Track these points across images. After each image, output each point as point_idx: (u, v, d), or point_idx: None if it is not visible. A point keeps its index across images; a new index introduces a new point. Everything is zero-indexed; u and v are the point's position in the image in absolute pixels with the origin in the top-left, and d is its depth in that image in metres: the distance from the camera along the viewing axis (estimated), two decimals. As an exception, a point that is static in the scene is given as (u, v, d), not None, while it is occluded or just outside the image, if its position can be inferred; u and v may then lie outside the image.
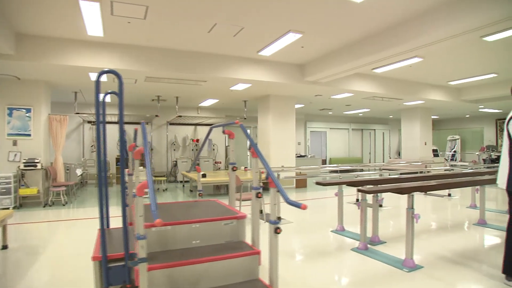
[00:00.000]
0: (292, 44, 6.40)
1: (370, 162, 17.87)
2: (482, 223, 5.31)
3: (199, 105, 12.22)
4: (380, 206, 6.76)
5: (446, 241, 4.50)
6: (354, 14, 5.17)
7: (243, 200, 5.47)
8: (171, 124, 12.34)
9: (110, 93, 3.04)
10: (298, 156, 15.10)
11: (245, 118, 11.12)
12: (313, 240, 4.61)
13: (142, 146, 2.69)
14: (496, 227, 5.10)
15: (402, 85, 10.04)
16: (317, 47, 6.83)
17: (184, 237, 2.78)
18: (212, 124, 13.03)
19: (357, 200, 7.46)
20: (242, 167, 11.66)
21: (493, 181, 4.41)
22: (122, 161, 2.55)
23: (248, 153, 14.19)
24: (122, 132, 2.50)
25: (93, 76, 7.09)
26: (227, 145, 14.01)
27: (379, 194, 4.17)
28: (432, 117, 18.42)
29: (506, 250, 2.98)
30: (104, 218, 2.53)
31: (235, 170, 3.38)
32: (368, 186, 4.14)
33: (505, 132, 2.94)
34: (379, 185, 4.32)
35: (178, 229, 2.76)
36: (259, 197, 2.82)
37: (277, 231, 2.42)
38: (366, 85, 9.29)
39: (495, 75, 9.23)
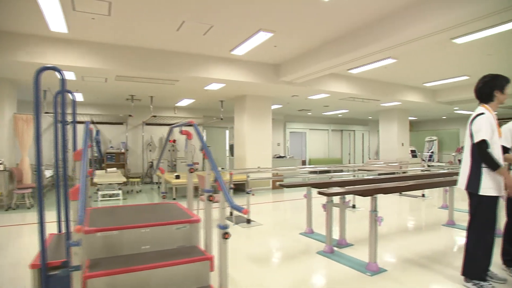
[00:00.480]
0: (264, 43, 6.30)
1: (349, 163, 17.96)
2: (451, 223, 5.32)
3: (176, 105, 12.02)
4: (353, 207, 6.73)
5: (414, 242, 4.47)
6: (323, 14, 5.11)
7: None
8: (147, 124, 12.11)
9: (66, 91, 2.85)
10: (277, 157, 15.05)
11: (221, 119, 10.98)
12: (280, 243, 4.51)
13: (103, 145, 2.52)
14: (464, 227, 5.10)
15: (378, 86, 10.07)
16: (291, 47, 6.75)
17: (133, 242, 2.64)
18: (188, 124, 12.83)
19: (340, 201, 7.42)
20: (220, 168, 11.54)
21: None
22: (57, 162, 2.39)
23: (227, 153, 14.08)
24: (64, 131, 2.33)
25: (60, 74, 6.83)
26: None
27: (346, 196, 4.09)
28: (410, 118, 18.66)
29: (466, 252, 2.94)
30: (44, 222, 2.37)
31: (192, 172, 3.25)
32: (334, 188, 4.07)
33: (467, 132, 2.90)
34: (346, 187, 4.25)
35: (126, 234, 2.62)
36: (211, 200, 2.70)
37: (225, 236, 2.30)
38: (342, 86, 9.28)
39: (467, 77, 9.36)
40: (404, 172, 9.75)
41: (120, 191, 8.17)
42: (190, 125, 3.10)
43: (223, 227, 2.31)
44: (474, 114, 2.90)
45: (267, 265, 3.66)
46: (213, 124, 13.20)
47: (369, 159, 18.81)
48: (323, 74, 7.62)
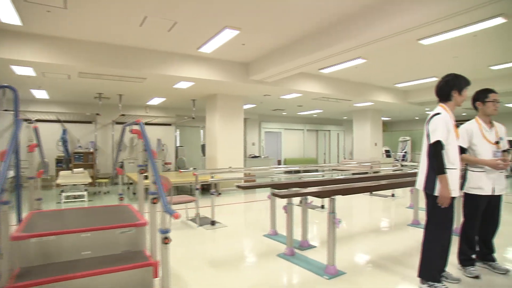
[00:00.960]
0: (231, 41, 6.18)
1: (325, 163, 18.06)
2: (416, 223, 5.34)
3: (147, 103, 11.73)
4: (322, 207, 6.69)
5: (377, 243, 4.45)
6: (290, 11, 5.03)
7: (174, 204, 5.18)
8: (117, 123, 11.76)
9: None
10: (252, 157, 14.96)
11: (193, 118, 10.78)
12: (242, 246, 4.40)
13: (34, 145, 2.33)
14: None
15: (350, 86, 10.11)
16: (259, 45, 6.66)
17: (72, 248, 2.47)
18: (161, 124, 12.59)
19: (301, 202, 7.36)
20: (191, 168, 11.35)
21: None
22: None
23: (201, 153, 13.86)
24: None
25: (18, 70, 6.51)
26: (178, 145, 13.62)
27: (307, 197, 4.01)
28: (384, 118, 18.96)
29: (423, 253, 2.90)
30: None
31: (142, 173, 3.09)
32: (293, 189, 3.99)
33: (425, 132, 2.86)
34: (308, 188, 4.17)
35: (64, 239, 2.45)
36: (155, 203, 2.55)
37: (165, 241, 2.16)
38: (314, 86, 9.25)
39: (436, 78, 9.51)
40: (375, 172, 9.82)
41: (85, 193, 7.87)
42: (137, 123, 2.94)
43: (164, 232, 2.18)
44: (431, 113, 2.86)
45: (224, 269, 3.54)
46: (186, 123, 12.98)
47: (344, 159, 18.97)
48: (294, 73, 7.57)
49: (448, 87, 2.85)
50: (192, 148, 13.90)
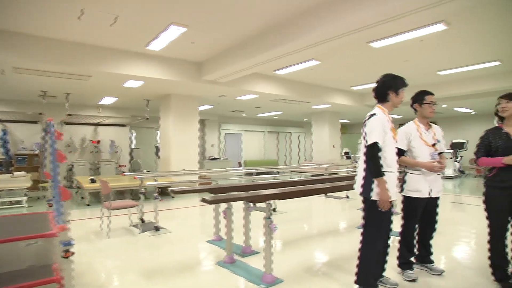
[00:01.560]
0: (180, 39, 5.94)
1: (286, 165, 18.08)
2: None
3: (99, 103, 11.18)
4: (274, 210, 6.57)
5: (322, 247, 4.36)
6: (238, 10, 4.87)
7: (114, 209, 4.86)
8: (66, 123, 11.11)
9: None
10: (211, 159, 14.69)
11: (147, 119, 10.38)
12: (182, 253, 4.16)
13: None
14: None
15: (307, 88, 10.12)
16: (210, 44, 6.46)
17: (-37, 265, 2.15)
18: (114, 124, 12.07)
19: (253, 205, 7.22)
20: (145, 171, 10.93)
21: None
22: None
23: (154, 155, 13.44)
24: None
25: None
26: (133, 146, 13.11)
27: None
28: (344, 121, 19.31)
29: (360, 259, 2.81)
30: None
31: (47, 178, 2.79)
32: (233, 193, 3.82)
33: (362, 134, 2.77)
34: (251, 191, 4.01)
35: (-45, 254, 2.13)
36: (49, 206, 2.28)
37: (65, 254, 1.91)
38: (270, 87, 9.16)
39: (390, 81, 9.69)
40: (330, 174, 9.86)
41: (24, 198, 7.32)
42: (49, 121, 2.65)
43: (66, 244, 1.93)
44: (368, 115, 2.78)
45: (156, 279, 3.30)
46: (141, 124, 12.53)
47: (305, 160, 19.10)
48: (247, 74, 7.41)
49: (385, 88, 2.78)
50: (148, 150, 13.45)
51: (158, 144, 11.72)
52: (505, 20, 5.34)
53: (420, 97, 3.17)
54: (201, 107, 12.46)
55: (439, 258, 3.69)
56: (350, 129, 22.05)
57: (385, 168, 2.63)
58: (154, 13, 4.96)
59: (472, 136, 15.89)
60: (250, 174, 12.82)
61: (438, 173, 3.11)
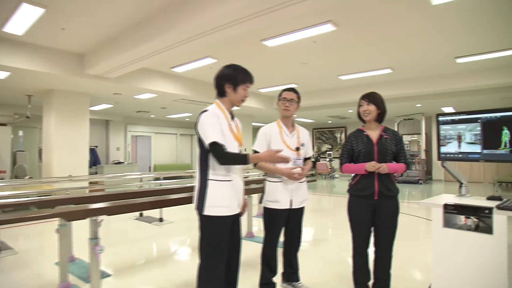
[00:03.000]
0: (45, 23, 5.07)
1: (200, 169, 17.42)
2: (249, 236, 4.94)
3: (-32, 98, 9.53)
4: (160, 220, 5.94)
5: (180, 267, 3.86)
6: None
7: None
8: None
9: None
10: (115, 163, 13.56)
11: (27, 117, 9.04)
12: (17, 278, 3.35)
13: None
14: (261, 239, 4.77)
15: (211, 88, 9.52)
16: (87, 33, 5.65)
17: None
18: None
19: (141, 215, 6.52)
20: (27, 177, 9.53)
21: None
22: None
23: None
24: None
25: None
26: (15, 150, 11.44)
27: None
28: (259, 124, 19.27)
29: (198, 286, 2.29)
30: None
31: None
32: (62, 206, 3.14)
33: (197, 137, 2.27)
34: (117, 201, 3.37)
35: None
36: None
37: None
38: (170, 86, 8.52)
39: (295, 85, 9.66)
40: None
41: None
42: None
43: None
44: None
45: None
46: (26, 124, 10.97)
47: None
48: (136, 69, 6.68)
49: (222, 80, 2.33)
50: (34, 152, 11.86)
51: (40, 147, 10.28)
52: (394, 27, 5.40)
53: (279, 94, 2.84)
54: (97, 107, 11.36)
55: (307, 275, 3.40)
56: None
57: (219, 175, 2.20)
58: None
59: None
60: (157, 179, 12.01)
61: (301, 180, 2.78)
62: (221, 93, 2.34)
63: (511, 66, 7.66)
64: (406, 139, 15.46)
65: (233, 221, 2.31)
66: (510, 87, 8.50)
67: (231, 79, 2.29)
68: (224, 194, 2.19)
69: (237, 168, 2.30)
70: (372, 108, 2.61)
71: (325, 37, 5.72)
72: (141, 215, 6.45)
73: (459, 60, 7.04)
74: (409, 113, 13.57)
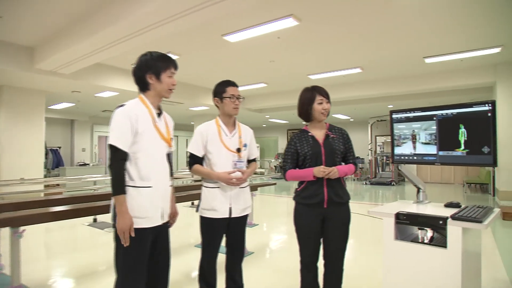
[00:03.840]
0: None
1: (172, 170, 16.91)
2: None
3: None
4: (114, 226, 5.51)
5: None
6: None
7: None
8: None
9: None
10: (80, 165, 12.95)
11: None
12: None
13: None
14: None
15: (179, 87, 9.21)
16: (27, 22, 5.16)
17: None
18: None
19: (94, 220, 6.06)
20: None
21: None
22: None
23: None
24: None
25: None
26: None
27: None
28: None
29: None
30: None
31: None
32: None
33: None
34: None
35: None
36: None
37: None
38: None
39: (265, 85, 9.39)
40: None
41: None
42: None
43: None
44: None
45: None
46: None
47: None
48: (90, 64, 6.24)
49: (141, 71, 1.98)
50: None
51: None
52: (360, 23, 5.18)
53: (220, 89, 2.49)
54: (58, 105, 10.78)
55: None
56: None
57: (136, 181, 1.87)
58: None
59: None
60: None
61: (243, 185, 2.47)
62: (143, 87, 2.00)
63: (478, 68, 7.63)
64: (380, 140, 15.50)
65: (158, 233, 1.99)
66: (479, 88, 8.50)
67: (152, 68, 1.96)
68: (142, 203, 1.87)
69: (160, 171, 1.98)
70: (329, 106, 2.34)
71: (288, 33, 5.45)
72: (94, 220, 6.00)
73: (427, 60, 6.92)
74: (382, 114, 13.54)
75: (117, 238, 1.87)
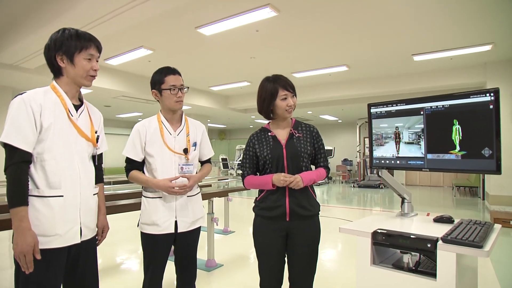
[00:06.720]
0: None
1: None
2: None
3: None
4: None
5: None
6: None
7: None
8: None
9: None
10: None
11: None
12: None
13: None
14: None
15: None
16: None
17: None
18: None
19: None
20: None
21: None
22: None
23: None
24: None
25: None
26: None
27: None
28: (220, 126, 18.55)
29: None
30: None
31: None
32: None
33: None
34: None
35: None
36: None
37: None
38: (106, 81, 7.53)
39: (248, 83, 8.98)
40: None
41: None
42: None
43: None
44: None
45: None
46: None
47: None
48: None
49: (50, 51, 1.53)
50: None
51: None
52: (344, 16, 4.78)
53: (157, 79, 2.03)
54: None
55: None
56: (229, 135, 21.51)
57: (43, 190, 1.44)
58: None
59: (339, 143, 16.51)
60: (108, 183, 10.93)
61: (191, 194, 2.04)
62: (55, 72, 1.56)
63: (468, 67, 7.34)
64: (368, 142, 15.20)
65: (79, 253, 1.56)
66: (468, 88, 8.19)
67: (62, 48, 1.51)
68: (51, 217, 1.45)
69: (77, 177, 1.54)
70: (295, 101, 1.93)
71: (267, 25, 5.04)
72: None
73: (416, 58, 6.59)
74: (370, 115, 13.21)
75: (16, 262, 1.43)
